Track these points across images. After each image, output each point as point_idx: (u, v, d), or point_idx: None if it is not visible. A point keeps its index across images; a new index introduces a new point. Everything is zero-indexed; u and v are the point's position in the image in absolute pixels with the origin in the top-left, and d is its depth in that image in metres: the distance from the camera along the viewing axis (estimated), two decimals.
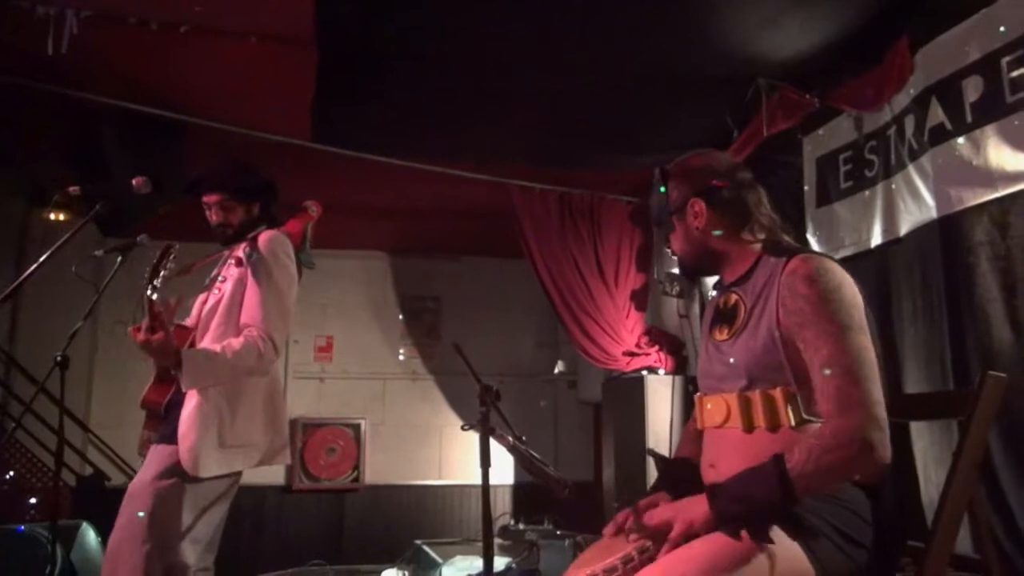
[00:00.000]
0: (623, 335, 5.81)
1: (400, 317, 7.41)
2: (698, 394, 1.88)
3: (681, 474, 1.86)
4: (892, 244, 3.92)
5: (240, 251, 2.59)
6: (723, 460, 1.69)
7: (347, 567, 5.98)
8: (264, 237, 2.57)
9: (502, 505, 7.01)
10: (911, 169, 3.79)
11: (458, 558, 4.41)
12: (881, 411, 1.52)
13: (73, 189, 2.50)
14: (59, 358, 3.44)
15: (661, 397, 5.51)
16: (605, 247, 5.92)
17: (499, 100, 4.81)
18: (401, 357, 7.35)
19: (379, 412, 7.19)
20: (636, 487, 5.14)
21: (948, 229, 3.54)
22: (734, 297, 1.79)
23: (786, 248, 1.75)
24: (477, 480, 7.16)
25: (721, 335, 1.80)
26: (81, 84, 4.17)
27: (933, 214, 3.62)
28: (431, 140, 5.33)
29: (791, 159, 4.76)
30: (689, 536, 1.53)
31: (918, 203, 3.74)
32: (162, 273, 2.36)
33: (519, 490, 7.09)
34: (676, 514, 1.56)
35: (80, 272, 3.21)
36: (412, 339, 7.40)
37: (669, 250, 1.94)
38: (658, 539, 1.59)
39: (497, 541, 5.66)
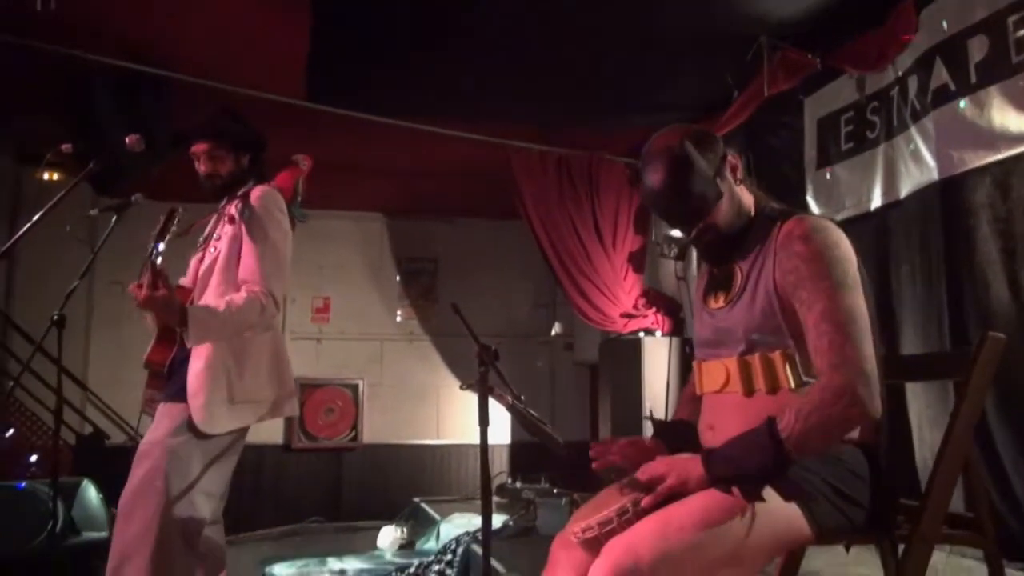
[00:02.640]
0: (620, 297, 5.82)
1: (397, 278, 7.40)
2: (695, 360, 1.87)
3: (678, 434, 1.86)
4: (892, 206, 3.91)
5: (233, 208, 2.57)
6: (722, 422, 1.69)
7: (345, 524, 6.05)
8: (256, 193, 2.56)
9: (499, 464, 7.07)
10: (913, 131, 3.76)
11: (456, 515, 4.46)
12: (870, 366, 1.52)
13: (65, 147, 2.45)
14: (55, 317, 3.46)
15: (658, 359, 5.53)
16: (603, 209, 5.89)
17: (497, 60, 4.74)
18: (398, 318, 7.36)
19: (377, 373, 7.21)
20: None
21: (949, 191, 3.52)
22: (729, 264, 1.76)
23: (780, 211, 1.74)
24: (474, 439, 7.20)
25: (717, 303, 1.78)
26: (72, 41, 4.10)
27: (934, 176, 3.60)
28: (428, 100, 5.27)
29: (791, 120, 4.72)
30: (682, 493, 1.54)
31: (919, 165, 3.72)
32: (168, 236, 2.35)
33: (516, 449, 7.15)
34: (670, 469, 1.56)
35: (75, 231, 3.19)
36: (409, 300, 7.39)
37: (696, 234, 1.74)
38: (651, 492, 1.60)
39: (494, 499, 5.73)
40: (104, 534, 3.97)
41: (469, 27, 4.37)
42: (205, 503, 2.36)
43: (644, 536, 1.46)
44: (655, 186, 1.72)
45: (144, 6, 3.88)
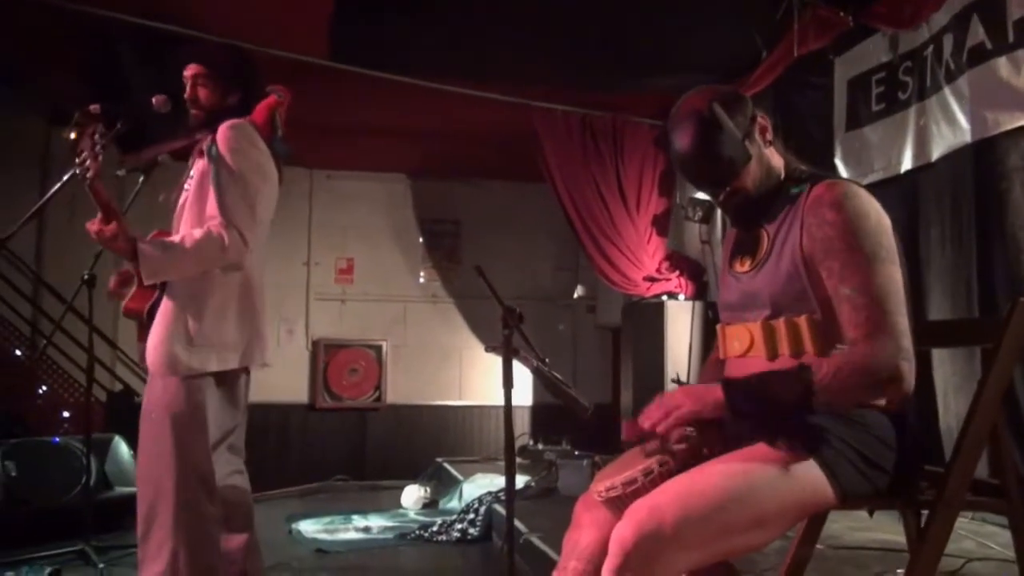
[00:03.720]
0: (644, 260, 5.79)
1: (420, 240, 7.41)
2: (720, 324, 1.86)
3: None
4: (923, 169, 3.84)
5: (204, 144, 2.42)
6: None
7: (369, 483, 6.14)
8: (223, 126, 2.38)
9: (521, 425, 7.13)
10: (947, 91, 3.67)
11: (478, 476, 4.52)
12: (909, 342, 1.51)
13: (93, 108, 2.41)
14: (86, 277, 3.52)
15: (681, 322, 5.51)
16: (627, 171, 5.84)
17: (523, 20, 4.68)
18: (421, 280, 7.39)
19: (400, 334, 7.27)
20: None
21: (982, 154, 3.45)
22: (756, 228, 1.74)
23: (809, 174, 1.70)
24: (496, 401, 7.27)
25: (743, 267, 1.75)
26: (99, 1, 4.10)
27: (967, 138, 3.53)
28: (453, 60, 5.22)
29: (820, 81, 4.62)
30: (698, 421, 1.53)
31: (952, 127, 3.64)
32: (87, 151, 2.18)
33: (537, 411, 7.20)
34: (687, 396, 1.55)
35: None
36: (432, 262, 7.42)
37: (724, 199, 1.70)
38: (673, 454, 1.59)
39: (518, 460, 5.79)
40: (135, 489, 4.07)
41: None
42: (215, 450, 2.33)
43: (668, 498, 1.47)
44: (683, 149, 1.69)
45: None
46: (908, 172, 3.92)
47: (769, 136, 1.72)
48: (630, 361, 5.85)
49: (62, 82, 5.13)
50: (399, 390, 7.18)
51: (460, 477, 4.75)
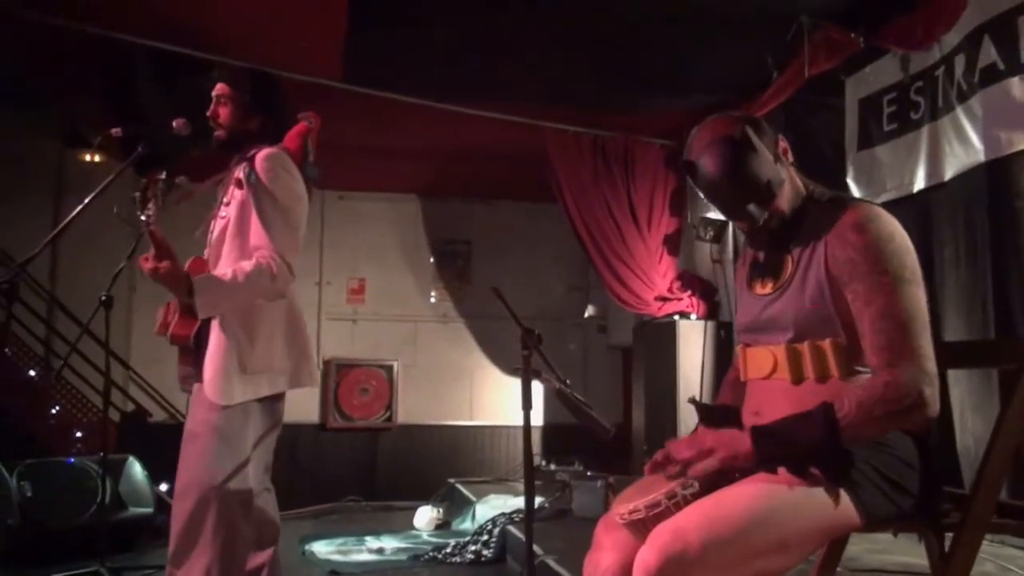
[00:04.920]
0: (655, 280, 5.79)
1: (431, 260, 7.44)
2: (739, 345, 1.85)
3: (722, 419, 1.85)
4: (935, 189, 3.84)
5: (240, 172, 2.48)
6: (769, 408, 1.67)
7: (381, 503, 6.13)
8: (261, 155, 2.45)
9: (532, 445, 7.11)
10: (959, 111, 3.68)
11: (491, 496, 4.50)
12: (933, 365, 1.50)
13: (115, 131, 2.46)
14: (104, 298, 3.54)
15: (693, 342, 5.50)
16: (638, 191, 5.86)
17: (536, 41, 4.72)
18: (432, 300, 7.40)
19: (411, 354, 7.28)
20: (666, 430, 5.19)
21: (996, 173, 3.45)
22: (777, 250, 1.73)
23: (830, 197, 1.71)
24: (507, 421, 7.24)
25: (764, 288, 1.74)
26: (114, 23, 4.16)
27: (981, 158, 3.53)
28: (464, 81, 5.26)
29: (831, 100, 4.64)
30: (729, 469, 1.52)
31: (965, 146, 3.65)
32: (151, 203, 2.26)
33: (548, 431, 7.17)
34: (718, 444, 1.54)
35: (121, 213, 3.24)
36: (443, 282, 7.43)
37: (762, 223, 1.69)
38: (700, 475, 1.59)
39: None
40: (149, 510, 4.07)
41: (507, 7, 4.35)
42: (253, 473, 2.38)
43: (693, 521, 1.46)
44: (718, 174, 1.67)
45: None
46: (921, 191, 3.93)
47: (791, 158, 1.72)
48: (642, 381, 5.84)
49: (77, 103, 5.19)
50: (410, 410, 7.17)
51: (473, 498, 4.73)
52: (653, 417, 5.57)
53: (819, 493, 1.50)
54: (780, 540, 1.47)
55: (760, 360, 1.72)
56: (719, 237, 5.70)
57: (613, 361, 7.36)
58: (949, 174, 3.75)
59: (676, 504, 1.55)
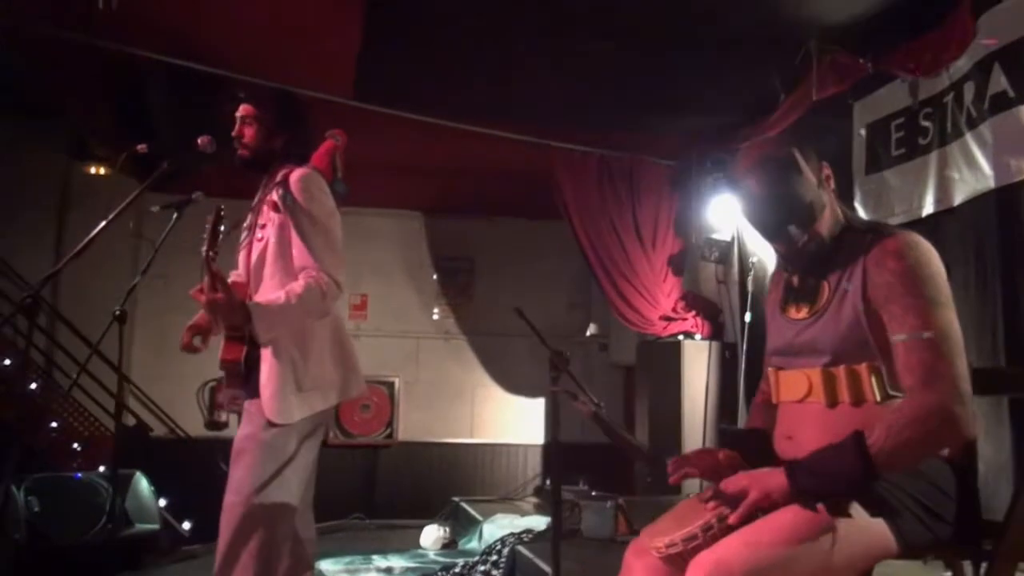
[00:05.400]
0: (660, 299, 5.81)
1: (434, 277, 7.44)
2: (770, 368, 1.86)
3: (753, 444, 1.86)
4: (945, 214, 3.86)
5: (274, 195, 2.52)
6: (802, 433, 1.68)
7: (386, 521, 6.09)
8: (295, 177, 2.49)
9: (533, 465, 7.10)
10: (968, 137, 3.71)
11: (499, 516, 4.48)
12: (966, 385, 1.51)
13: (141, 147, 2.48)
14: (117, 312, 3.52)
15: (698, 362, 5.52)
16: (643, 210, 5.89)
17: (543, 60, 4.75)
18: (435, 316, 7.40)
19: (412, 370, 7.27)
20: (670, 450, 5.18)
21: (1006, 199, 3.48)
22: (813, 276, 1.74)
23: (868, 225, 1.72)
24: (509, 439, 7.19)
25: (799, 313, 1.75)
26: (127, 38, 4.17)
27: (991, 184, 3.56)
28: (471, 99, 5.30)
29: (839, 124, 4.67)
30: (765, 507, 1.54)
31: (974, 172, 3.68)
32: (220, 236, 2.31)
33: (549, 450, 7.16)
34: (752, 483, 1.56)
35: (137, 228, 3.24)
36: (446, 299, 7.44)
37: (800, 246, 1.71)
38: (734, 507, 1.60)
39: (533, 500, 5.75)
40: (155, 526, 4.04)
41: (516, 27, 4.38)
42: (297, 491, 2.40)
43: (733, 551, 1.47)
44: (762, 193, 1.70)
45: (198, 4, 3.93)
46: (929, 216, 3.95)
47: (833, 184, 1.74)
48: (646, 400, 5.83)
49: (86, 117, 5.19)
50: (411, 427, 7.15)
51: (479, 517, 4.71)
52: (657, 437, 5.57)
53: (858, 522, 1.50)
54: (821, 568, 1.48)
55: (794, 383, 1.73)
56: (724, 258, 5.73)
57: (614, 380, 7.36)
58: (958, 199, 3.78)
59: (713, 536, 1.56)
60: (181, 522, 5.07)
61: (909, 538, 1.53)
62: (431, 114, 5.36)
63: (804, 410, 1.70)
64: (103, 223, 2.45)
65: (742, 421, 5.33)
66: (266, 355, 2.43)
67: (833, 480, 1.50)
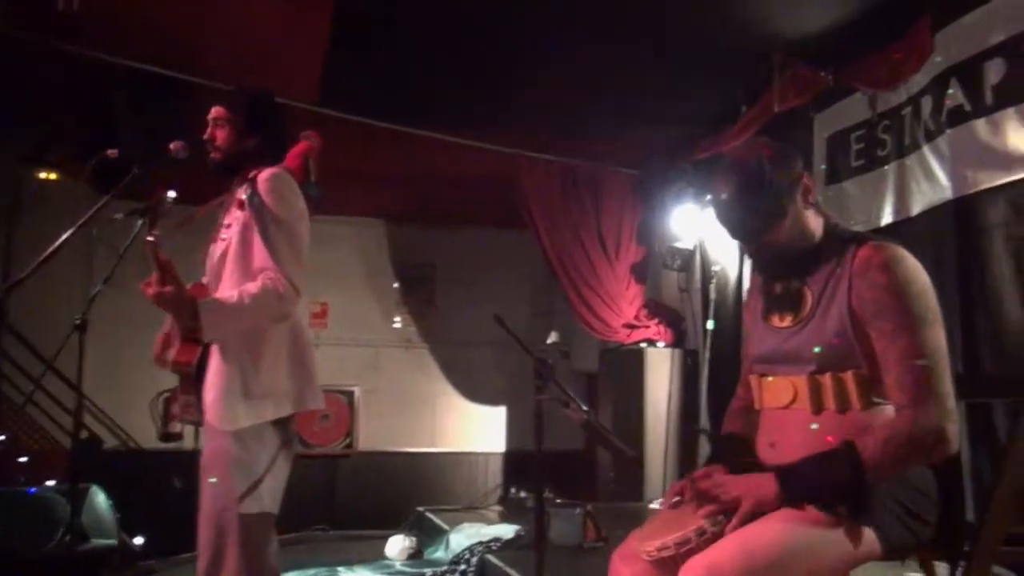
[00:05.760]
0: (623, 307, 5.86)
1: (395, 285, 7.38)
2: (753, 375, 1.87)
3: (736, 449, 1.88)
4: (903, 223, 3.97)
5: (241, 193, 2.42)
6: (786, 440, 1.70)
7: (349, 532, 6.00)
8: (263, 176, 2.38)
9: (494, 473, 7.08)
10: (926, 150, 3.82)
11: (465, 525, 4.45)
12: (953, 403, 1.55)
13: (111, 152, 2.40)
14: (78, 321, 3.41)
15: (660, 370, 5.58)
16: (607, 219, 5.94)
17: (507, 69, 4.77)
18: (396, 325, 7.34)
19: (373, 379, 7.19)
20: (618, 456, 5.21)
21: (963, 210, 3.58)
22: (796, 284, 1.77)
23: (852, 235, 1.75)
24: (470, 448, 7.15)
25: (783, 322, 1.77)
26: (85, 41, 4.07)
27: (948, 195, 3.66)
28: (438, 107, 5.28)
29: (800, 136, 4.77)
30: (757, 514, 1.55)
31: (932, 184, 3.78)
32: (158, 220, 2.20)
33: (511, 458, 7.16)
34: (745, 490, 1.57)
35: (100, 236, 3.15)
36: (407, 307, 7.38)
37: (756, 246, 1.77)
38: (727, 512, 1.61)
39: (497, 509, 5.73)
40: (112, 541, 3.92)
41: (481, 36, 4.39)
42: (270, 498, 2.31)
43: (727, 556, 1.48)
44: (722, 196, 1.74)
45: (161, 7, 3.85)
46: (888, 225, 4.05)
47: (811, 197, 1.76)
48: (609, 407, 5.87)
49: (43, 121, 5.04)
50: (371, 437, 7.07)
51: (445, 527, 4.67)
52: (597, 441, 5.59)
53: (844, 526, 1.53)
54: (811, 571, 1.49)
55: (779, 390, 1.75)
56: (686, 266, 5.80)
57: (577, 387, 7.37)
58: (916, 209, 3.88)
59: (706, 541, 1.57)
60: (133, 537, 4.94)
61: (893, 541, 1.56)
62: (395, 121, 5.33)
63: (788, 417, 1.72)
64: (72, 229, 2.36)
65: (703, 426, 5.40)
66: (214, 358, 2.32)
67: (823, 488, 1.53)
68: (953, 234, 3.62)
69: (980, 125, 3.49)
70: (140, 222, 2.78)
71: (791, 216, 1.73)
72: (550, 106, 5.28)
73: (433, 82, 4.95)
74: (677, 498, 1.80)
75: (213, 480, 2.26)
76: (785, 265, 1.78)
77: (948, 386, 1.55)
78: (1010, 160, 3.34)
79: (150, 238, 2.16)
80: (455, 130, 5.50)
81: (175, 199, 2.28)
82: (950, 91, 3.66)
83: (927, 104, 3.82)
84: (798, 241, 1.75)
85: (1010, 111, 3.35)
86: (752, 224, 1.73)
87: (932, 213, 3.77)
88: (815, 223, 1.77)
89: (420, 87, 5.02)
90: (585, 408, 1.98)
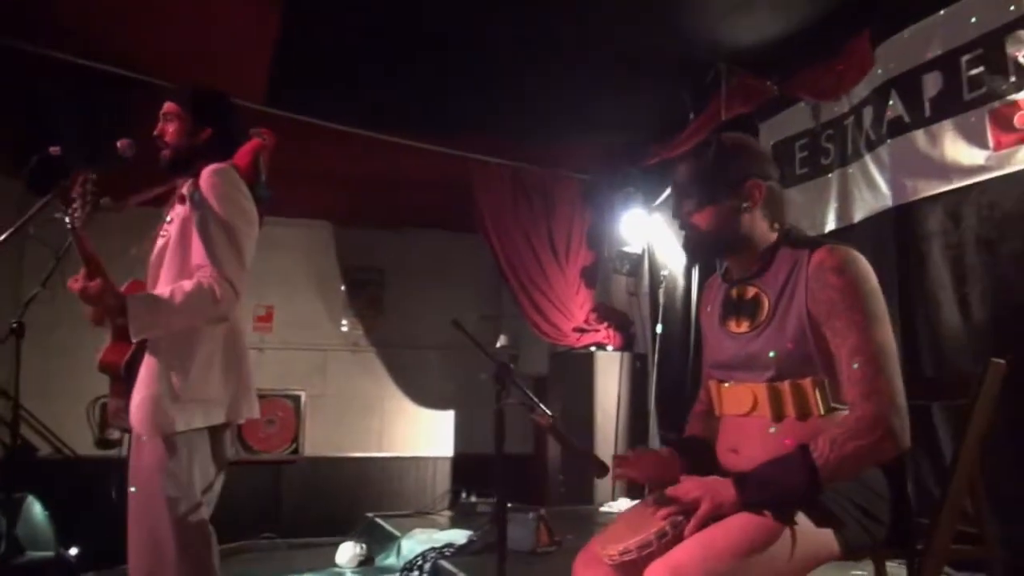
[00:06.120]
0: (573, 311, 5.89)
1: (343, 288, 7.28)
2: (712, 381, 1.91)
3: (697, 453, 1.91)
4: (846, 230, 4.08)
5: (184, 188, 2.36)
6: (747, 446, 1.73)
7: (297, 540, 5.89)
8: (206, 171, 2.30)
9: (443, 478, 7.04)
10: (868, 159, 3.94)
11: (417, 531, 4.41)
12: (902, 399, 1.60)
13: (53, 149, 2.30)
14: (14, 325, 3.29)
15: (610, 373, 5.63)
16: (557, 223, 5.97)
17: (458, 73, 4.75)
18: (343, 328, 7.24)
19: (320, 383, 7.07)
20: (583, 461, 5.24)
21: (903, 218, 3.71)
22: (753, 290, 1.80)
23: (806, 240, 1.80)
24: (418, 452, 7.07)
25: (740, 327, 1.80)
26: (20, 34, 3.92)
27: (888, 203, 3.79)
28: (384, 108, 5.23)
29: None
30: (716, 517, 1.58)
31: (873, 192, 3.90)
32: (76, 203, 2.09)
33: (459, 462, 7.12)
34: (704, 493, 1.60)
35: (39, 235, 3.03)
36: (355, 310, 7.27)
37: (681, 222, 1.86)
38: (687, 515, 1.63)
39: (447, 514, 5.70)
40: (50, 553, 3.78)
41: (432, 39, 4.37)
42: (208, 505, 2.27)
43: (688, 559, 1.50)
44: (674, 184, 1.89)
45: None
46: (832, 232, 4.16)
47: (753, 204, 1.78)
48: (558, 410, 5.87)
49: None
50: (317, 442, 6.94)
51: (396, 533, 4.62)
52: (562, 446, 5.62)
53: (806, 528, 1.56)
54: (772, 573, 1.52)
55: (739, 397, 1.78)
56: (635, 271, 5.87)
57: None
58: (858, 217, 4.00)
59: (667, 544, 1.58)
60: (68, 548, 4.77)
61: (851, 541, 1.60)
62: (344, 122, 5.27)
63: (749, 423, 1.75)
64: (11, 229, 2.26)
65: (652, 429, 5.47)
66: (145, 358, 2.23)
67: (781, 492, 1.56)
68: (893, 241, 3.74)
69: (919, 136, 3.61)
70: (66, 219, 2.66)
71: (716, 208, 1.79)
72: (501, 110, 5.27)
73: (383, 83, 4.91)
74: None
75: (135, 489, 2.19)
76: (703, 249, 1.92)
77: (896, 382, 1.59)
78: (947, 170, 3.47)
79: (66, 220, 2.07)
80: (405, 132, 5.46)
81: (97, 186, 2.17)
82: (890, 102, 3.78)
83: (868, 115, 3.94)
84: (724, 236, 1.81)
85: (947, 123, 3.48)
86: (677, 199, 1.86)
87: (873, 220, 3.89)
88: (760, 226, 1.81)
89: (370, 88, 4.97)
90: (551, 414, 1.98)
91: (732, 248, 1.84)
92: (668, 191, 5.48)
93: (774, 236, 1.82)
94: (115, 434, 2.67)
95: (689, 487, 1.64)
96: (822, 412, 1.65)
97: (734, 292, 1.86)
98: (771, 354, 1.70)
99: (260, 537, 5.82)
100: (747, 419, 1.75)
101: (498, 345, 7.26)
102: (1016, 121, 3.15)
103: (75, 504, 4.74)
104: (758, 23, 4.20)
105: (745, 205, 1.78)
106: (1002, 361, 1.80)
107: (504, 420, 1.96)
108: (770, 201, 1.80)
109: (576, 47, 4.49)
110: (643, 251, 5.82)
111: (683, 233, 1.88)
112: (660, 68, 4.72)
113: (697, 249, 1.88)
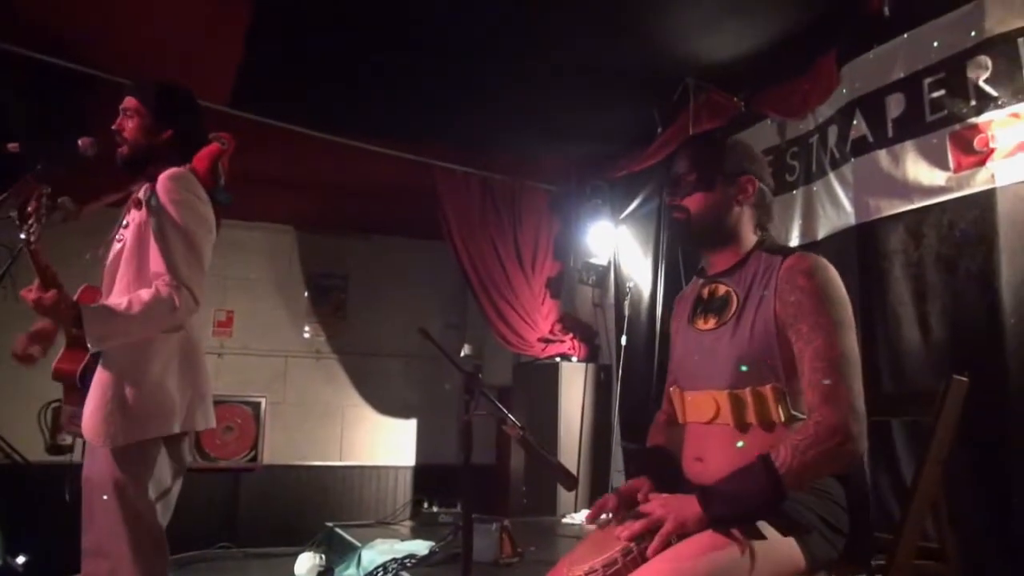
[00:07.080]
0: (539, 321, 5.89)
1: (306, 294, 7.19)
2: (675, 388, 1.92)
3: (660, 464, 1.91)
4: (809, 247, 4.13)
5: (140, 192, 2.32)
6: (712, 455, 1.74)
7: (254, 550, 5.78)
8: (164, 175, 2.27)
9: (404, 487, 6.98)
10: (832, 177, 4.00)
11: (378, 541, 4.36)
12: (861, 404, 1.62)
13: (12, 146, 2.23)
14: None
15: (575, 384, 5.63)
16: (524, 233, 5.97)
17: (427, 81, 4.73)
18: (305, 335, 7.15)
19: (280, 390, 6.97)
20: (553, 473, 5.24)
21: (865, 236, 3.76)
22: (723, 288, 1.84)
23: (780, 247, 1.83)
24: (379, 461, 7.02)
25: (707, 324, 1.84)
26: None
27: (851, 221, 3.85)
28: (354, 114, 5.20)
29: None
30: (681, 534, 1.57)
31: (837, 209, 3.96)
32: (32, 219, 2.05)
33: (420, 472, 7.07)
34: (668, 511, 1.60)
35: None
36: (317, 316, 7.19)
37: (674, 205, 1.88)
38: (651, 533, 1.63)
39: (408, 524, 5.64)
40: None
41: (400, 44, 4.35)
42: (162, 511, 2.21)
43: (656, 575, 1.49)
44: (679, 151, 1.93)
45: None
46: (795, 248, 4.21)
47: (744, 198, 1.82)
48: (523, 421, 5.83)
49: None
50: (277, 449, 6.83)
51: (357, 543, 4.55)
52: (532, 457, 5.61)
53: (772, 542, 1.57)
54: None
55: (701, 405, 1.79)
56: (601, 281, 5.88)
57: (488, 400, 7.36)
58: (822, 234, 4.06)
59: (633, 561, 1.58)
60: (16, 556, 4.64)
61: (816, 554, 1.61)
62: (309, 126, 5.22)
63: (712, 432, 1.76)
64: None
65: (616, 441, 5.48)
66: (98, 367, 2.20)
67: (745, 503, 1.56)
68: (855, 258, 3.79)
69: (882, 156, 3.68)
70: (22, 235, 2.59)
71: (706, 195, 1.83)
72: (469, 119, 5.26)
73: (349, 88, 4.87)
74: (605, 516, 1.81)
75: (88, 497, 2.16)
76: (685, 234, 1.89)
77: (856, 387, 1.61)
78: (909, 190, 3.53)
79: (23, 236, 2.02)
80: (371, 138, 5.42)
81: (53, 195, 2.12)
82: (855, 122, 3.84)
83: (833, 133, 4.00)
84: (711, 224, 1.83)
85: (909, 144, 3.54)
86: (673, 178, 1.89)
87: (836, 237, 3.95)
88: (747, 225, 1.84)
89: (336, 93, 4.92)
90: (521, 425, 1.96)
91: (716, 239, 1.87)
92: (639, 199, 5.53)
93: (755, 239, 1.86)
94: (67, 439, 2.61)
95: (654, 506, 1.64)
96: (783, 420, 1.66)
97: (706, 290, 1.90)
98: (733, 354, 1.72)
99: (217, 546, 5.71)
100: (710, 427, 1.76)
101: (462, 354, 7.24)
102: (976, 144, 3.22)
103: (25, 512, 4.61)
104: (727, 40, 4.26)
105: (738, 198, 1.82)
106: (964, 379, 1.83)
107: (471, 431, 1.94)
108: (760, 203, 1.85)
109: (546, 59, 4.50)
110: (609, 263, 5.85)
111: (672, 215, 1.90)
112: (629, 82, 4.75)
113: (683, 232, 1.88)
